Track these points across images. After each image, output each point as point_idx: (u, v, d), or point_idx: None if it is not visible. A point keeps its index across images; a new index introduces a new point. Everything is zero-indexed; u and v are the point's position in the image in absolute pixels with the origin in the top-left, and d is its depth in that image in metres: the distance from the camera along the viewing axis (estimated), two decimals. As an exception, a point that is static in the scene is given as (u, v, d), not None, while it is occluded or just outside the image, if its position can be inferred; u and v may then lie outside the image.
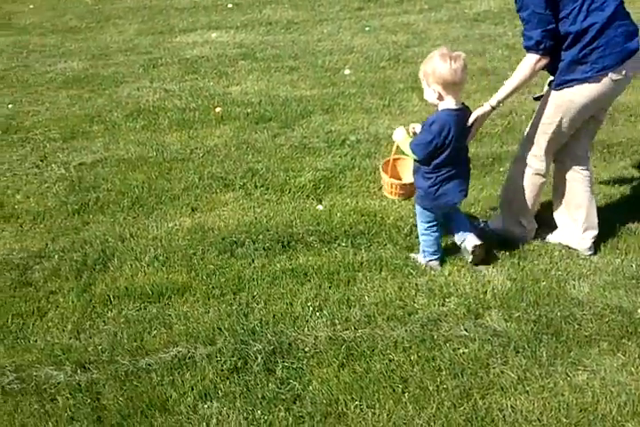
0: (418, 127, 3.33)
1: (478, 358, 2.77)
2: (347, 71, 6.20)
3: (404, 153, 3.30)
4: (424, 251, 3.37)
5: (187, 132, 5.04)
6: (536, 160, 3.41)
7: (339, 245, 3.56)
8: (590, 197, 3.49)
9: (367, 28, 7.59)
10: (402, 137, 3.27)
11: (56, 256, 3.54)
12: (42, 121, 5.33)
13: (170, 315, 3.06)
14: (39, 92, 6.01)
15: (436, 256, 3.36)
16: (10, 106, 5.71)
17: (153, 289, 3.23)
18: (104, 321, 3.05)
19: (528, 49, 3.19)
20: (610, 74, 3.12)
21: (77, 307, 3.14)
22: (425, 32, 7.34)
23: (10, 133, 5.14)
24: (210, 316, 3.04)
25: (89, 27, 8.29)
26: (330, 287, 3.23)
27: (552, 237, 3.58)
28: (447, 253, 3.44)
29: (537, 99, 3.44)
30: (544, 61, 3.16)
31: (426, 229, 3.35)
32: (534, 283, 3.23)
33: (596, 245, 3.47)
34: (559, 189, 3.52)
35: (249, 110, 5.36)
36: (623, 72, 3.14)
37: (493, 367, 2.73)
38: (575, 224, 3.48)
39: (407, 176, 3.45)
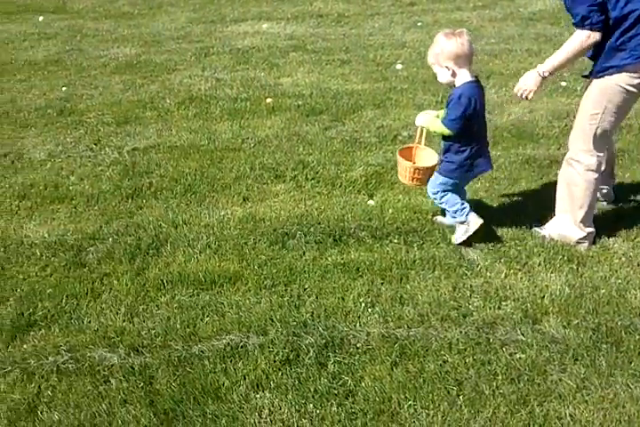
0: (432, 112, 3.48)
1: (535, 364, 2.70)
2: (398, 66, 6.14)
3: (429, 135, 3.45)
4: (454, 211, 3.42)
5: (238, 121, 5.04)
6: (586, 155, 3.36)
7: (390, 241, 3.51)
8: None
9: (419, 24, 7.51)
10: (427, 118, 3.38)
11: (110, 239, 3.56)
12: (95, 105, 5.39)
13: (222, 303, 3.06)
14: (92, 76, 6.08)
15: (466, 207, 3.43)
16: (64, 88, 5.78)
17: (205, 276, 3.23)
18: (157, 306, 3.06)
19: (576, 26, 3.16)
20: None
21: (131, 290, 3.16)
22: (478, 29, 7.22)
23: (64, 116, 5.20)
24: (261, 306, 3.03)
25: (141, 13, 8.36)
26: (382, 284, 3.19)
27: (549, 231, 3.52)
28: (502, 254, 3.38)
29: (586, 76, 3.40)
30: (594, 38, 3.13)
31: (444, 191, 3.43)
32: (593, 290, 3.14)
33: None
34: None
35: (300, 102, 5.34)
36: None
37: (551, 375, 2.66)
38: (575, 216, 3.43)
39: (424, 162, 3.54)
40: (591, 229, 3.48)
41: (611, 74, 3.18)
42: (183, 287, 3.17)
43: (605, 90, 3.22)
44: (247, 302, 3.07)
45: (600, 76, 3.24)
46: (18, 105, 5.46)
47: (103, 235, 3.61)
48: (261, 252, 3.44)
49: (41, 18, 8.26)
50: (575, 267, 3.32)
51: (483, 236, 3.53)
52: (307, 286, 3.18)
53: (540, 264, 3.33)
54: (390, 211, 3.78)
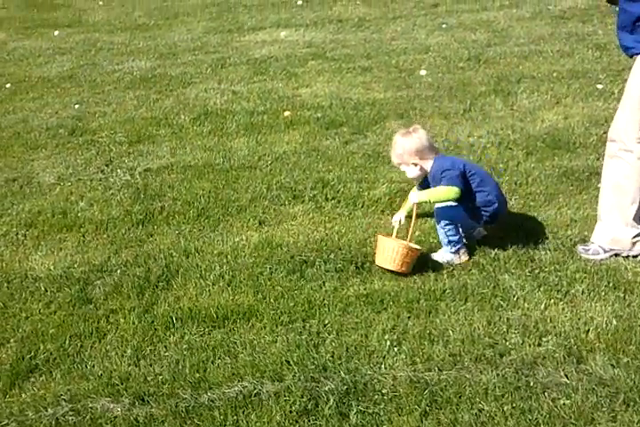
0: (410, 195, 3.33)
1: (582, 411, 2.40)
2: (423, 72, 5.86)
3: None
4: (451, 240, 3.27)
5: (254, 137, 4.82)
6: (636, 142, 3.10)
7: (418, 269, 3.24)
8: None
9: (444, 26, 7.21)
10: (418, 195, 3.26)
11: (118, 271, 3.36)
12: (108, 123, 5.22)
13: (235, 342, 2.82)
14: (106, 92, 5.92)
15: (463, 242, 3.33)
16: (77, 106, 5.64)
17: (217, 312, 3.00)
18: (165, 346, 2.83)
19: None
20: None
21: (138, 329, 2.94)
22: (506, 30, 6.90)
23: (76, 135, 5.05)
24: (277, 346, 2.78)
25: (157, 24, 8.22)
26: (409, 318, 2.92)
27: (598, 242, 3.27)
28: (541, 281, 3.09)
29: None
30: None
31: (452, 224, 3.30)
32: (644, 322, 2.83)
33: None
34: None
35: (319, 114, 5.10)
36: None
37: (599, 423, 2.37)
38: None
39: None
40: None
41: None
42: (194, 325, 2.94)
43: None
44: (262, 341, 2.82)
45: None
46: (29, 125, 5.32)
47: (111, 266, 3.41)
48: (278, 282, 3.20)
49: (56, 32, 8.17)
50: (622, 295, 3.00)
51: (519, 260, 3.25)
52: (327, 322, 2.92)
53: (583, 292, 3.03)
54: (417, 233, 3.51)
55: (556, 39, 6.54)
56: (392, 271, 3.17)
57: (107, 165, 4.55)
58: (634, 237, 3.25)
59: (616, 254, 3.30)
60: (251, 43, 7.18)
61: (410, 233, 3.25)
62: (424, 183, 3.40)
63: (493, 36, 6.80)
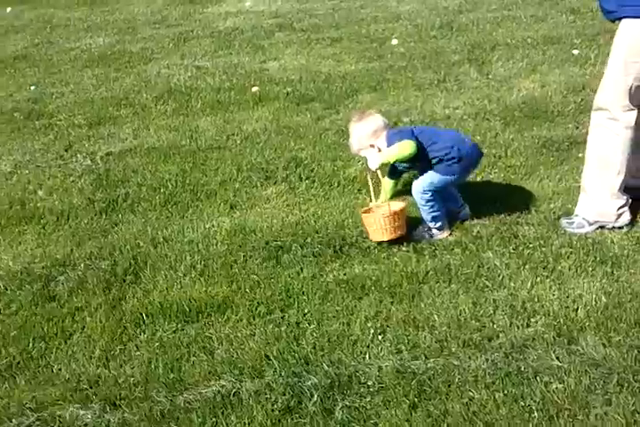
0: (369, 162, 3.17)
1: (576, 395, 2.30)
2: (394, 41, 5.66)
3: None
4: (434, 217, 3.17)
5: (222, 115, 4.60)
6: (622, 111, 3.00)
7: (399, 249, 3.11)
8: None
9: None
10: (379, 155, 3.11)
11: (82, 265, 3.17)
12: (66, 105, 4.95)
13: (210, 338, 2.67)
14: (63, 72, 5.63)
15: (444, 217, 3.21)
16: (32, 87, 5.35)
17: (190, 306, 2.83)
18: (136, 345, 2.67)
19: None
20: None
21: (106, 327, 2.76)
22: (478, -5, 6.70)
23: (32, 119, 4.78)
24: (256, 339, 2.63)
25: (115, -2, 7.86)
26: (392, 303, 2.79)
27: (583, 215, 3.17)
28: (527, 258, 2.98)
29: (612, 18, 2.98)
30: None
31: (434, 192, 3.16)
32: (633, 297, 2.73)
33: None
34: None
35: (289, 89, 4.89)
36: None
37: (594, 407, 2.27)
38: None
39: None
40: (627, 195, 3.14)
41: None
42: (165, 321, 2.77)
43: None
44: (239, 335, 2.67)
45: (636, 17, 2.84)
46: (-17, 110, 5.04)
47: (74, 260, 3.22)
48: (253, 271, 3.04)
49: (9, 9, 7.77)
50: (609, 270, 2.90)
51: (502, 237, 3.13)
52: (306, 311, 2.78)
53: (569, 269, 2.92)
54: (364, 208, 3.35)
55: (529, 4, 6.38)
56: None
57: (66, 150, 4.31)
58: (619, 208, 3.15)
59: (601, 227, 3.20)
60: (214, 14, 6.90)
61: (383, 196, 3.23)
62: (394, 173, 3.29)
63: (465, 1, 6.61)
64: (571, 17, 5.94)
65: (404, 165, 3.22)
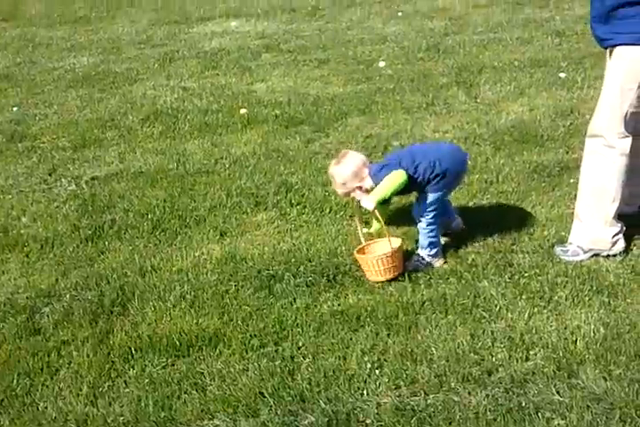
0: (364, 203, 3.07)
1: (579, 432, 2.27)
2: (381, 63, 5.65)
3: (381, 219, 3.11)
4: (431, 243, 3.12)
5: (210, 138, 4.54)
6: (618, 138, 2.98)
7: (393, 279, 3.06)
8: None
9: (399, 14, 7.01)
10: (372, 196, 3.02)
11: (68, 295, 3.07)
12: (50, 126, 4.86)
13: (202, 373, 2.58)
14: (47, 92, 5.54)
15: (440, 245, 3.19)
16: (15, 109, 5.25)
17: (181, 339, 2.75)
18: (125, 382, 2.57)
19: None
20: None
21: (94, 362, 2.67)
22: (463, 17, 6.76)
23: (15, 142, 4.68)
24: (249, 375, 2.55)
25: (99, 16, 7.79)
26: (388, 335, 2.72)
27: (577, 243, 3.14)
28: (523, 288, 2.94)
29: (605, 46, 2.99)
30: None
31: (434, 219, 3.13)
32: (632, 328, 2.70)
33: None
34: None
35: (277, 112, 4.85)
36: None
37: (598, 444, 2.23)
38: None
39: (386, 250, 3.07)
40: (621, 223, 3.12)
41: None
42: (155, 355, 2.68)
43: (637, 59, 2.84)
44: (232, 370, 2.59)
45: (631, 44, 2.85)
46: (-37, 132, 4.92)
47: (60, 290, 3.12)
48: (245, 301, 2.96)
49: (-10, 27, 7.67)
50: (606, 299, 2.87)
51: (497, 265, 3.09)
52: (301, 344, 2.71)
53: (566, 298, 2.89)
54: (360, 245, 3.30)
55: (514, 26, 6.43)
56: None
57: (50, 174, 4.21)
58: (613, 236, 3.13)
59: (595, 254, 3.18)
60: (200, 34, 6.85)
61: (376, 223, 3.22)
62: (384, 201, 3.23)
63: (451, 23, 6.64)
64: (556, 39, 5.99)
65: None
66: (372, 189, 3.12)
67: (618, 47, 2.93)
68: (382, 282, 3.03)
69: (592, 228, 3.13)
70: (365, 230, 3.35)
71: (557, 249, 3.20)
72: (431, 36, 6.29)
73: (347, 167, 3.13)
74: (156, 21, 7.42)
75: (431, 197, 3.12)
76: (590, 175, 3.13)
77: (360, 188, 3.15)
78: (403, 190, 3.10)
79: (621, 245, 3.15)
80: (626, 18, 2.89)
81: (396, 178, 3.02)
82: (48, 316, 2.95)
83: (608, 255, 3.18)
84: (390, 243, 3.08)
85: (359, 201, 3.11)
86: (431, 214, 3.13)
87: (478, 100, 4.83)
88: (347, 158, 3.17)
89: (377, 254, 3.04)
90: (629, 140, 3.03)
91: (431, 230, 3.14)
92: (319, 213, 3.62)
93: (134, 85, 5.55)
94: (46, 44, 6.82)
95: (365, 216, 3.51)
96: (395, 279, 3.02)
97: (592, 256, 3.18)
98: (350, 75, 5.49)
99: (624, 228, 3.17)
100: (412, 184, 3.09)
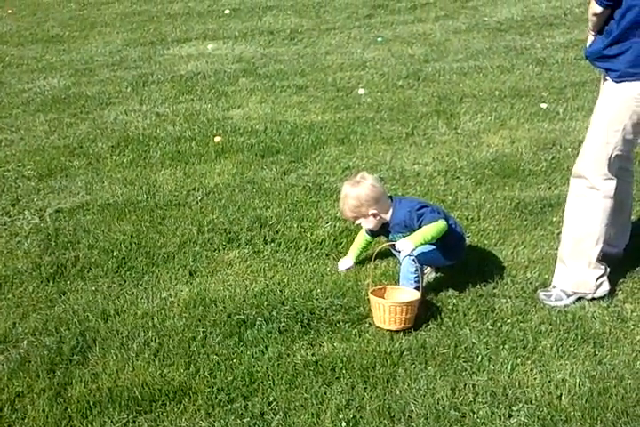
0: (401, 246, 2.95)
1: None
2: (361, 91, 5.55)
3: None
4: (415, 277, 2.97)
5: (182, 167, 4.38)
6: (602, 180, 2.93)
7: (370, 325, 2.91)
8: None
9: (379, 39, 6.94)
10: (410, 238, 2.92)
11: (25, 342, 2.87)
12: (15, 153, 4.65)
13: (165, 432, 2.41)
14: (14, 116, 5.33)
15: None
16: (-20, 133, 5.04)
17: (143, 393, 2.56)
18: (82, 441, 2.39)
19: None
20: None
21: (49, 418, 2.47)
22: (443, 44, 6.70)
23: (-22, 169, 4.47)
24: (215, 435, 2.39)
25: (72, 35, 7.60)
26: (365, 389, 2.57)
27: (561, 287, 3.06)
28: (505, 336, 2.82)
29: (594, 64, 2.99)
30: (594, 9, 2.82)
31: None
32: (618, 382, 2.58)
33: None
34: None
35: (253, 140, 4.70)
36: None
37: None
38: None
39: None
40: (605, 265, 3.06)
41: (632, 80, 2.78)
42: (115, 411, 2.50)
43: (626, 101, 2.81)
44: (197, 428, 2.42)
45: (620, 81, 2.81)
46: None
47: (17, 335, 2.91)
48: (213, 350, 2.79)
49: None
50: (592, 350, 2.76)
51: (479, 311, 2.97)
52: (272, 399, 2.54)
53: (550, 348, 2.77)
54: (367, 282, 3.17)
55: (495, 53, 6.38)
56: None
57: (13, 206, 4.01)
58: (597, 278, 3.04)
59: (579, 298, 3.08)
60: (175, 57, 6.70)
61: (354, 252, 3.25)
62: (381, 231, 3.13)
63: (431, 50, 6.57)
64: (537, 68, 5.95)
65: (402, 233, 3.04)
66: (385, 221, 3.04)
67: (624, 83, 2.84)
68: (388, 330, 2.85)
69: (575, 271, 3.04)
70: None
71: (540, 294, 3.09)
72: (411, 62, 6.21)
73: (369, 191, 2.99)
74: (130, 42, 7.26)
75: (436, 255, 3.05)
76: (574, 217, 3.04)
77: (375, 215, 3.02)
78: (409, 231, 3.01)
79: (606, 287, 3.06)
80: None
81: (440, 228, 2.93)
82: (3, 364, 2.75)
83: (593, 298, 3.08)
84: (405, 294, 2.95)
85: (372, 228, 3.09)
86: (428, 263, 3.09)
87: (459, 131, 4.75)
88: (367, 181, 3.01)
89: (396, 301, 2.86)
90: (614, 182, 2.96)
91: (412, 265, 3.01)
92: (294, 251, 3.47)
93: (105, 110, 5.37)
94: (16, 64, 6.61)
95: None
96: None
97: (576, 300, 3.07)
98: (329, 102, 5.38)
99: (608, 269, 3.09)
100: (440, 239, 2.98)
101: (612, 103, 2.89)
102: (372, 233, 3.22)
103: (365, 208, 3.01)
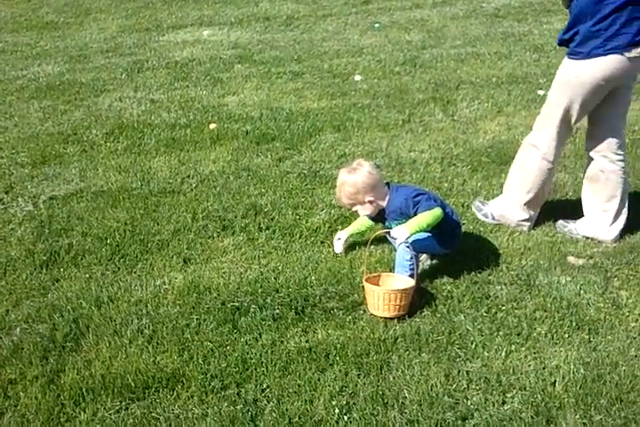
0: (396, 233, 2.94)
1: (559, 486, 2.14)
2: (357, 77, 5.51)
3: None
4: (411, 264, 2.95)
5: (177, 154, 4.35)
6: (545, 144, 3.29)
7: (365, 312, 2.90)
8: (624, 188, 3.35)
9: (376, 25, 6.87)
10: (406, 226, 2.92)
11: (18, 329, 2.85)
12: (9, 141, 4.62)
13: (157, 419, 2.39)
14: (8, 103, 5.29)
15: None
16: (-27, 120, 5.00)
17: (136, 380, 2.56)
18: (75, 427, 2.39)
19: None
20: (623, 52, 3.05)
21: (42, 405, 2.46)
22: (441, 30, 6.64)
23: (-29, 156, 4.44)
24: (208, 422, 2.37)
25: (67, 22, 7.53)
26: (359, 376, 2.57)
27: (578, 229, 3.41)
28: (500, 323, 2.81)
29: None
30: None
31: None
32: (613, 369, 2.58)
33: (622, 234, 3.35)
34: (592, 179, 3.37)
35: (248, 127, 4.67)
36: (638, 50, 3.05)
37: None
38: (605, 215, 3.35)
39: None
40: (534, 213, 3.45)
41: (577, 59, 3.13)
42: (108, 398, 2.49)
43: (569, 80, 3.18)
44: (190, 415, 2.41)
45: (570, 58, 3.18)
46: None
47: (10, 322, 2.90)
48: (207, 337, 2.78)
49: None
50: (587, 336, 2.76)
51: (473, 297, 2.96)
52: (265, 386, 2.54)
53: (545, 335, 2.76)
54: (362, 270, 3.16)
55: (493, 40, 6.33)
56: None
57: (7, 193, 3.98)
58: (520, 220, 3.44)
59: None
60: (170, 43, 6.64)
61: (350, 230, 3.26)
62: (378, 217, 3.12)
63: (428, 36, 6.52)
64: (534, 55, 5.90)
65: (398, 221, 3.03)
66: (382, 207, 3.04)
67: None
68: (384, 318, 2.84)
69: (506, 205, 3.44)
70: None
71: (476, 202, 3.59)
72: (408, 49, 6.16)
73: (364, 178, 2.99)
74: (125, 28, 7.19)
75: (431, 242, 3.03)
76: (518, 161, 3.45)
77: (372, 202, 3.02)
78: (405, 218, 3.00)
79: (525, 228, 3.45)
80: None
81: (436, 216, 2.92)
82: (-5, 352, 2.75)
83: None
84: (400, 282, 2.94)
85: (369, 214, 3.09)
86: (423, 251, 3.08)
87: (455, 118, 4.71)
88: (364, 168, 3.02)
89: (391, 289, 2.86)
90: (554, 147, 3.28)
91: (408, 252, 2.99)
92: (289, 239, 3.45)
93: (100, 97, 5.33)
94: (10, 51, 6.55)
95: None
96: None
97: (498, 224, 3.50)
98: (325, 89, 5.34)
99: (535, 217, 3.46)
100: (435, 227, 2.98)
101: (558, 76, 3.28)
102: (372, 219, 3.21)
103: (362, 195, 3.00)
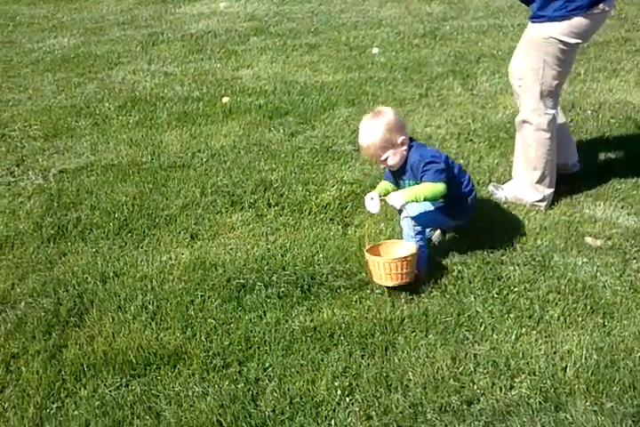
0: (391, 199, 2.83)
1: (565, 475, 2.07)
2: (375, 50, 5.36)
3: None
4: (419, 233, 2.91)
5: (188, 128, 4.28)
6: (534, 114, 3.22)
7: (372, 291, 2.84)
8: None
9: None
10: (403, 193, 2.82)
11: (23, 303, 2.85)
12: (22, 113, 4.59)
13: (157, 396, 2.38)
14: (22, 76, 5.26)
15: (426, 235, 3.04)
16: (-13, 92, 4.99)
17: (138, 356, 2.54)
18: (75, 403, 2.37)
19: None
20: (587, 12, 3.01)
21: (43, 380, 2.46)
22: (463, 1, 6.44)
23: (-17, 129, 4.43)
24: (208, 401, 2.34)
25: (85, -7, 7.46)
26: (363, 357, 2.51)
27: (505, 193, 3.42)
28: (511, 305, 2.73)
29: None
30: None
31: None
32: (627, 355, 2.49)
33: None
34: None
35: (261, 101, 4.58)
36: (600, 6, 3.01)
37: (584, 489, 2.04)
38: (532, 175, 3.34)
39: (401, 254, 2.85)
40: (549, 191, 3.36)
41: (541, 22, 3.07)
42: (109, 374, 2.48)
43: (539, 41, 3.10)
44: (190, 393, 2.38)
45: (533, 22, 3.12)
46: None
47: (15, 296, 2.90)
48: (211, 314, 2.74)
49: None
50: (601, 320, 2.65)
51: (484, 278, 2.87)
52: (267, 365, 2.50)
53: (558, 318, 2.67)
54: (364, 235, 3.08)
55: (516, 11, 6.10)
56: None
57: (17, 166, 3.97)
58: (535, 201, 3.34)
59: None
60: (186, 15, 6.54)
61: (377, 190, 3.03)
62: (398, 173, 2.96)
63: (449, 8, 6.32)
64: (559, 28, 5.67)
65: (412, 182, 2.91)
66: (405, 156, 2.89)
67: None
68: (389, 287, 2.79)
69: (519, 187, 3.37)
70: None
71: (491, 187, 3.47)
72: (428, 20, 5.97)
73: (396, 116, 2.88)
74: (142, 1, 7.09)
75: (434, 216, 2.93)
76: (519, 143, 3.37)
77: (404, 143, 2.86)
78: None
79: (542, 208, 3.34)
80: None
81: (436, 192, 2.80)
82: (0, 325, 2.74)
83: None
84: (400, 249, 2.87)
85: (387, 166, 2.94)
86: (423, 225, 2.94)
87: (474, 92, 4.57)
88: (388, 109, 2.93)
89: (391, 257, 2.79)
90: (545, 116, 3.18)
91: (420, 234, 2.92)
92: (298, 215, 3.38)
93: (114, 70, 5.27)
94: (27, 24, 6.51)
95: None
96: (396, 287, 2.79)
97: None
98: (341, 62, 5.21)
99: (552, 195, 3.35)
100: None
101: (527, 40, 3.18)
102: (393, 181, 3.05)
103: (396, 134, 2.83)
